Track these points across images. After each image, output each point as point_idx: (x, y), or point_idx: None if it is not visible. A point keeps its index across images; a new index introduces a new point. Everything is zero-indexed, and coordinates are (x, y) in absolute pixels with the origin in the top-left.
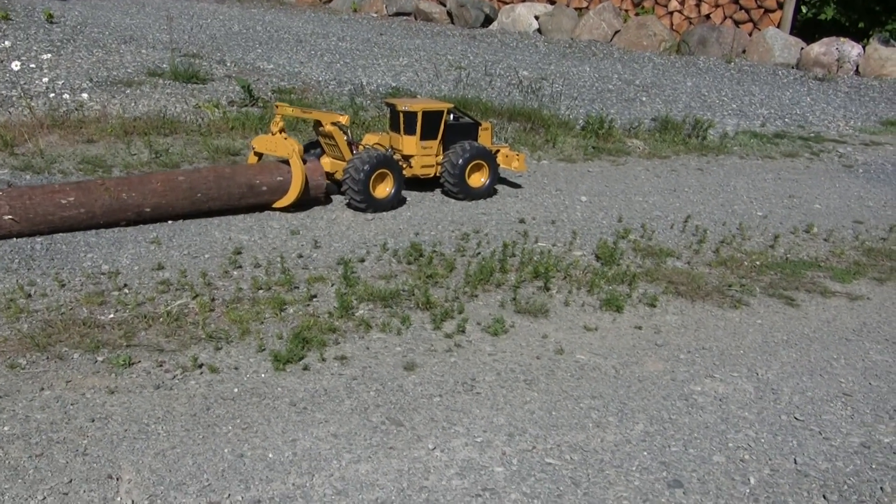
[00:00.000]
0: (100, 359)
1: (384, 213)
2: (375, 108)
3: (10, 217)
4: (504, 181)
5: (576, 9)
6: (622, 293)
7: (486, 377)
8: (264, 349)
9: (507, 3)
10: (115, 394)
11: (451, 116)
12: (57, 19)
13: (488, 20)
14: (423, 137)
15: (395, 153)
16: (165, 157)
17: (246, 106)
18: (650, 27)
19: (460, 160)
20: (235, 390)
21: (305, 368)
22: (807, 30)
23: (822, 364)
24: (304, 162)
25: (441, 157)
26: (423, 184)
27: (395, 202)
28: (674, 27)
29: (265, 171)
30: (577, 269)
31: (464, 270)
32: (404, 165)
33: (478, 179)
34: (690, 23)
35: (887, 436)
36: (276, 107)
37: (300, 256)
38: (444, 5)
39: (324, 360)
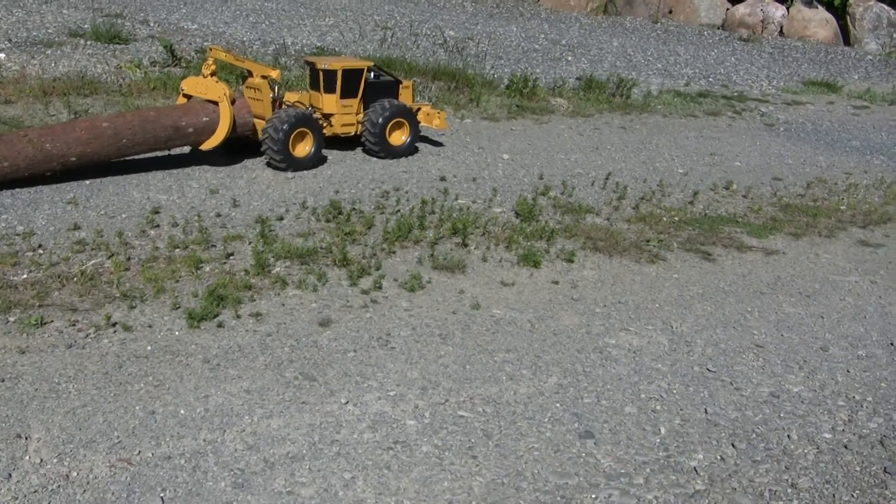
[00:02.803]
0: (11, 319)
1: (305, 171)
2: (299, 68)
3: None
4: (426, 139)
5: None
6: (540, 249)
7: (401, 332)
8: (179, 307)
9: None
10: (25, 353)
11: (372, 74)
12: None
13: None
14: (343, 96)
15: (315, 112)
16: (85, 118)
17: (168, 66)
18: None
19: (380, 118)
20: (149, 348)
21: (220, 326)
22: None
23: (736, 317)
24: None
25: (362, 115)
26: (344, 142)
27: (316, 161)
28: None
29: (191, 111)
30: (496, 226)
31: (382, 227)
32: (324, 124)
33: (398, 137)
34: None
35: (796, 385)
36: (210, 50)
37: (218, 215)
38: None
39: (238, 317)
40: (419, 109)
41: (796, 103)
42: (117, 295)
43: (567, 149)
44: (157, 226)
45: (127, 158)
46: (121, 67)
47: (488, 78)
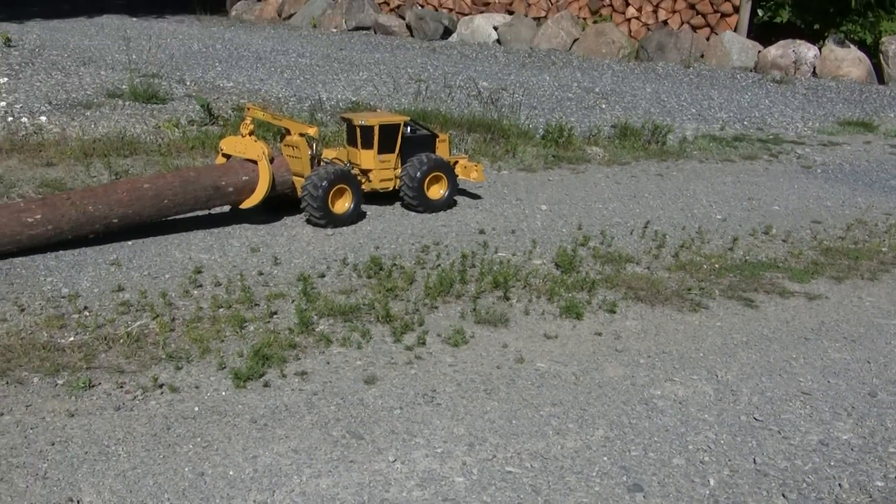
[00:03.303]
0: (60, 382)
1: (344, 227)
2: (335, 123)
3: None
4: (464, 192)
5: (534, 18)
6: (582, 300)
7: (446, 388)
8: (224, 367)
9: (465, 15)
10: (75, 416)
11: (408, 129)
12: (14, 43)
13: (448, 32)
14: (381, 151)
15: (353, 168)
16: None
17: (206, 125)
18: (608, 34)
19: (418, 173)
20: (196, 409)
21: (266, 385)
22: (763, 33)
23: (781, 364)
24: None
25: (399, 169)
26: (383, 197)
27: (355, 217)
28: (632, 34)
29: (230, 171)
30: (537, 278)
31: (424, 283)
32: (363, 180)
33: (437, 191)
34: (648, 29)
35: (845, 433)
36: (247, 109)
37: (260, 274)
38: (403, 18)
39: (284, 376)
40: (456, 162)
41: (832, 144)
42: (163, 356)
43: (604, 198)
44: (200, 285)
45: (167, 219)
46: (159, 127)
47: (523, 128)
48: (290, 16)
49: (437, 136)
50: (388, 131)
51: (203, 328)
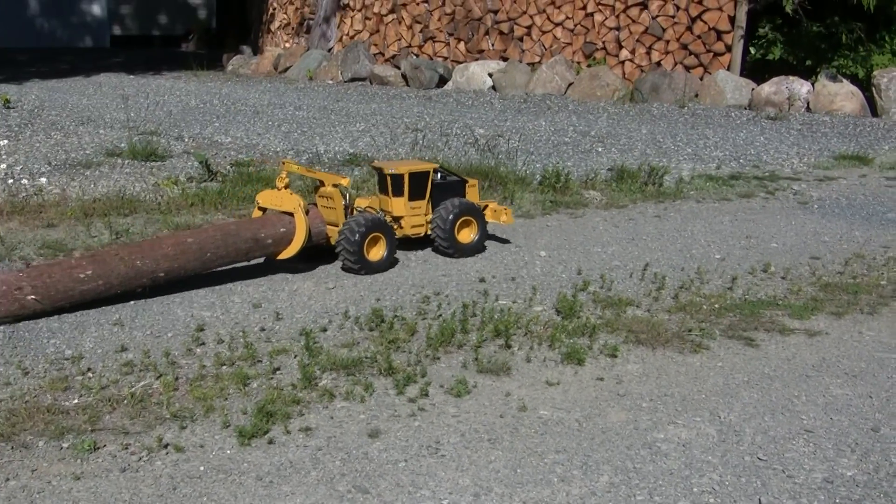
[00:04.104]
0: (65, 445)
1: (345, 281)
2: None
3: (33, 297)
4: (493, 236)
5: (528, 64)
6: (583, 345)
7: (450, 439)
8: (229, 425)
9: (460, 63)
10: (80, 479)
11: (438, 175)
12: (14, 104)
13: (443, 80)
14: (412, 198)
15: (385, 215)
16: (126, 238)
17: (205, 181)
18: (603, 77)
19: (449, 217)
20: (202, 468)
21: (270, 442)
22: (756, 70)
23: (784, 402)
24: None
25: (430, 215)
26: (415, 243)
27: (388, 264)
28: (626, 76)
29: (268, 223)
30: (538, 325)
31: (425, 333)
32: (395, 226)
33: (467, 235)
34: (642, 70)
35: (849, 469)
36: (283, 164)
37: (262, 330)
38: (399, 68)
39: (288, 432)
40: (486, 206)
41: (829, 179)
42: (167, 416)
43: (603, 241)
44: (203, 343)
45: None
46: (158, 184)
47: (521, 174)
48: (287, 69)
49: (467, 182)
50: (418, 178)
51: (207, 386)
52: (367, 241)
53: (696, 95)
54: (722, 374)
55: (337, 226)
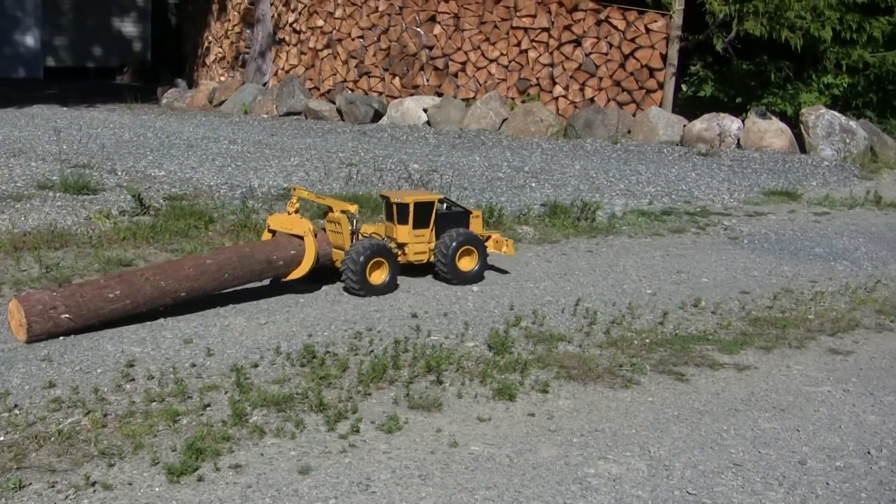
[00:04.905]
0: None
1: (277, 316)
2: (265, 210)
3: (66, 316)
4: (493, 267)
5: (463, 100)
6: (514, 381)
7: (381, 476)
8: (158, 462)
9: (395, 98)
10: None
11: (445, 206)
12: None
13: (378, 115)
14: (416, 226)
15: (390, 242)
16: (56, 272)
17: (137, 215)
18: (537, 113)
19: (452, 245)
20: None
21: (200, 479)
22: (688, 107)
23: (713, 436)
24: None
25: (433, 243)
26: (417, 269)
27: (390, 288)
28: (560, 112)
29: (279, 246)
30: (470, 361)
31: (357, 369)
32: (399, 253)
33: (468, 264)
34: (575, 107)
35: (777, 502)
36: (294, 190)
37: (193, 365)
38: (334, 103)
39: (218, 469)
40: (489, 237)
41: (758, 214)
42: (96, 453)
43: (536, 277)
44: (133, 379)
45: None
46: (90, 218)
47: None
48: (221, 103)
49: (471, 213)
50: (423, 208)
51: (136, 423)
52: (370, 264)
53: (629, 131)
54: (652, 409)
55: (343, 249)
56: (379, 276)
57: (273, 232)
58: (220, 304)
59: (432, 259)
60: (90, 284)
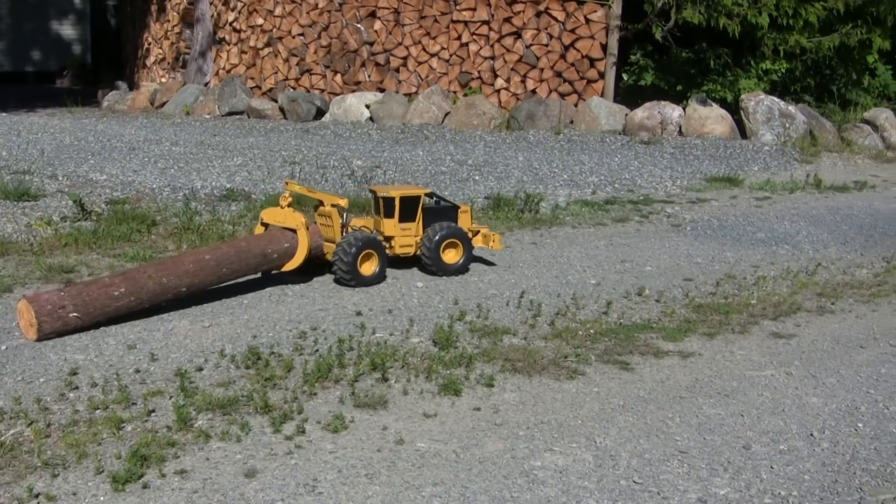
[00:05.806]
0: None
1: (222, 318)
2: (209, 212)
3: (74, 314)
4: (479, 259)
5: (405, 94)
6: (460, 376)
7: (327, 476)
8: (103, 471)
9: (337, 95)
10: None
11: (433, 200)
12: None
13: (320, 112)
14: (402, 220)
15: (378, 234)
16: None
17: (79, 220)
18: (479, 106)
19: (435, 238)
20: None
21: (145, 487)
22: (629, 96)
23: (658, 424)
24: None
25: (419, 237)
26: (404, 262)
27: (380, 279)
28: (502, 104)
29: (274, 240)
30: (415, 357)
31: (302, 369)
32: (386, 245)
33: (452, 257)
34: (517, 99)
35: (722, 488)
36: (286, 184)
37: (137, 371)
38: (276, 101)
39: (163, 475)
40: (478, 232)
41: (701, 201)
42: (39, 464)
43: (479, 270)
44: (76, 388)
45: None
46: (31, 225)
47: None
48: (163, 104)
49: (459, 208)
50: (409, 202)
51: (80, 432)
52: (360, 256)
53: (572, 122)
54: (598, 400)
55: (333, 242)
56: (369, 268)
57: (266, 225)
58: (163, 307)
59: (419, 251)
60: (95, 283)
